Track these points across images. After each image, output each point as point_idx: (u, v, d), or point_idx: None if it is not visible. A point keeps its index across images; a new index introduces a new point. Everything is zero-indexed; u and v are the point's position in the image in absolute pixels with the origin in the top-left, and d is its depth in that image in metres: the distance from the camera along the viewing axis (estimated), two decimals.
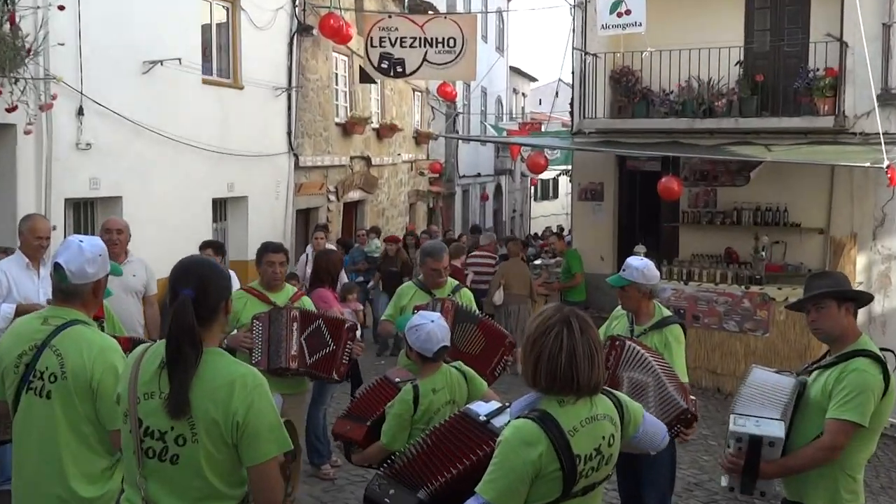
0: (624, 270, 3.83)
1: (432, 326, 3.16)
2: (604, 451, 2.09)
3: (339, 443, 3.35)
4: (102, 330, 2.88)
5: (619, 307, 3.97)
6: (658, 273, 3.89)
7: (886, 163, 8.54)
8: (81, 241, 2.58)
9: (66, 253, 2.56)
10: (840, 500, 2.72)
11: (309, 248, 9.27)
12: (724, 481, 2.77)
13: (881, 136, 8.86)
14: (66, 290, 2.57)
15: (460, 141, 21.00)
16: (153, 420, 2.05)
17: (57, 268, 2.56)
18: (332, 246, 9.42)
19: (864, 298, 2.91)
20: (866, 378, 2.65)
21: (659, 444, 2.36)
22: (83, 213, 7.93)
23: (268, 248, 4.58)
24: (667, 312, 3.88)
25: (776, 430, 2.62)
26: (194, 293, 2.06)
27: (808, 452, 2.68)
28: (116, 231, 5.07)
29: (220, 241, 7.78)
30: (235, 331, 4.29)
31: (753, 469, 2.63)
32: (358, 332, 4.44)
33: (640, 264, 3.82)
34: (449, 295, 4.42)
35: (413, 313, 3.84)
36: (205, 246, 6.09)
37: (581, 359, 2.03)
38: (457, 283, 4.64)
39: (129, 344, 2.78)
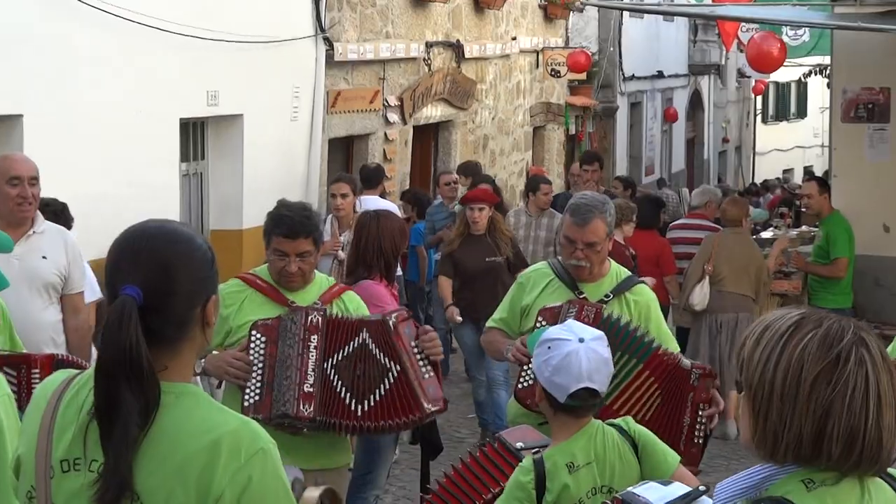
0: None
1: (577, 349, 3.41)
2: None
3: None
4: None
5: None
6: None
7: None
8: None
9: None
10: None
11: (330, 217, 9.81)
12: None
13: None
14: None
15: (625, 14, 21.59)
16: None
17: None
18: (387, 204, 9.72)
19: None
20: None
21: None
22: None
23: (284, 221, 4.73)
24: None
25: None
26: (142, 293, 2.14)
27: None
28: (29, 180, 5.43)
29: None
30: (218, 350, 4.60)
31: None
32: (433, 335, 4.81)
33: None
34: (608, 296, 4.82)
35: (538, 324, 4.47)
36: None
37: (891, 408, 2.16)
38: (628, 273, 5.04)
39: (49, 365, 2.83)
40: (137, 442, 2.11)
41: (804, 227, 14.94)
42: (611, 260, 4.98)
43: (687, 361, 4.77)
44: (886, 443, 2.18)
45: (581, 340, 3.42)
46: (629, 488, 3.09)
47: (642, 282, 5.21)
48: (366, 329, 4.58)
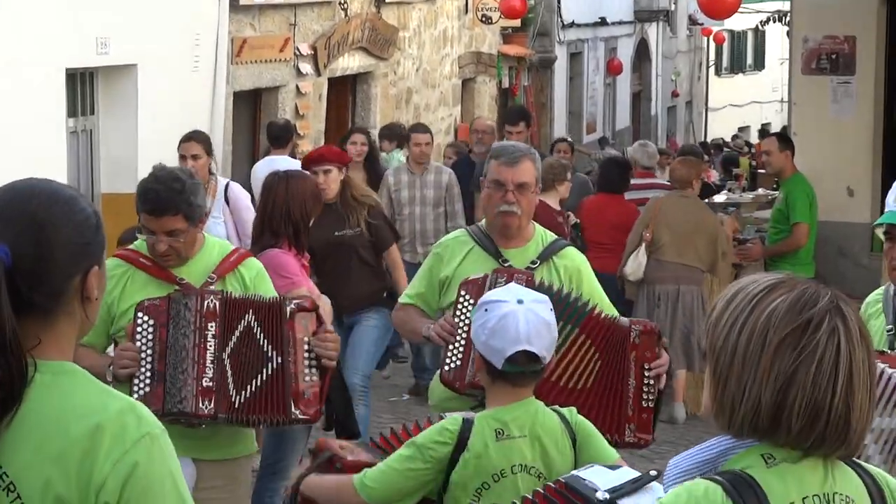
0: None
1: (515, 311, 3.50)
2: None
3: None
4: None
5: (878, 291, 4.35)
6: None
7: None
8: None
9: None
10: None
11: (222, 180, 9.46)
12: None
13: None
14: None
15: None
16: None
17: None
18: (297, 165, 9.62)
19: None
20: None
21: None
22: None
23: (148, 196, 4.67)
24: None
25: None
26: (10, 254, 2.13)
27: None
28: None
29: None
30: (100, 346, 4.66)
31: None
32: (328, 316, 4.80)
33: None
34: (534, 262, 4.86)
35: (461, 298, 4.55)
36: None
37: (861, 386, 2.22)
38: (553, 237, 5.08)
39: None
40: (1, 421, 2.12)
41: (761, 191, 15.12)
42: (533, 223, 5.05)
43: (625, 319, 4.91)
44: (855, 424, 2.25)
45: (520, 302, 3.52)
46: (574, 472, 3.18)
47: (570, 244, 5.37)
48: (255, 309, 4.58)
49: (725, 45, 36.35)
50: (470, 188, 10.71)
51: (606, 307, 4.95)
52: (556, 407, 3.83)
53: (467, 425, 3.60)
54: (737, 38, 37.91)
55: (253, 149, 13.62)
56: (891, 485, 2.39)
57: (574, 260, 5.06)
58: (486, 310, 3.57)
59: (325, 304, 5.87)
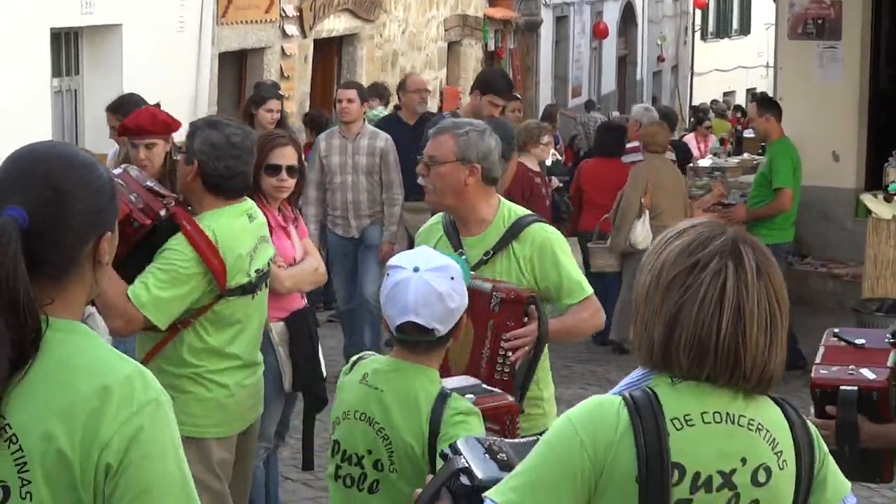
0: None
1: (407, 279, 3.52)
2: (739, 484, 2.41)
3: None
4: None
5: None
6: None
7: None
8: None
9: None
10: None
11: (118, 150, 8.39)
12: None
13: None
14: None
15: None
16: None
17: None
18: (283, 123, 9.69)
19: None
20: None
21: None
22: None
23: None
24: None
25: None
26: (28, 217, 2.17)
27: None
28: None
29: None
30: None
31: None
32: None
33: None
34: (487, 254, 4.67)
35: None
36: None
37: (754, 324, 2.36)
38: (519, 216, 4.81)
39: None
40: (11, 377, 2.16)
41: (746, 155, 15.23)
42: (502, 202, 4.87)
43: (487, 285, 4.62)
44: (750, 361, 2.39)
45: (416, 270, 3.52)
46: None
47: (537, 220, 4.94)
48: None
49: (711, 10, 36.49)
50: (412, 154, 9.94)
51: (575, 286, 4.74)
52: (449, 391, 3.81)
53: (354, 363, 3.80)
54: (723, 2, 38.16)
55: (238, 110, 13.44)
56: (822, 447, 2.56)
57: (536, 239, 4.77)
58: (387, 274, 3.61)
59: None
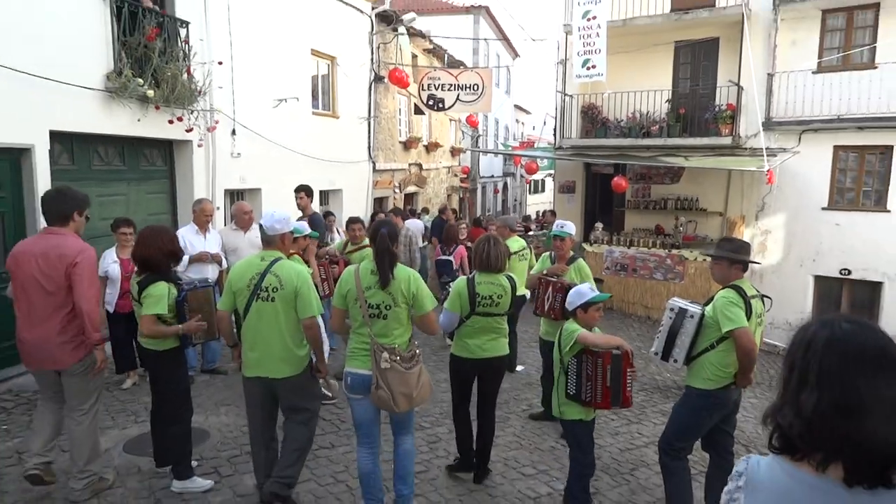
0: (562, 227, 8.51)
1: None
2: (496, 298, 6.16)
3: None
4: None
5: (547, 253, 8.42)
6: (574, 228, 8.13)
7: (766, 168, 17.81)
8: (273, 212, 6.09)
9: (264, 219, 6.02)
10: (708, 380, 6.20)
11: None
12: (653, 347, 5.78)
13: (763, 150, 19.09)
14: (267, 240, 6.01)
15: (481, 153, 38.66)
16: (373, 298, 5.64)
17: (261, 227, 6.03)
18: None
19: (747, 263, 6.04)
20: (726, 297, 5.98)
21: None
22: (236, 198, 14.83)
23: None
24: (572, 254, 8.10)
25: (696, 308, 5.83)
26: (389, 234, 5.59)
27: (742, 363, 6.02)
28: (247, 212, 10.20)
29: (308, 186, 12.94)
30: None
31: (673, 338, 5.73)
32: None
33: (570, 227, 8.52)
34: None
35: None
36: (299, 189, 11.68)
37: (492, 254, 6.44)
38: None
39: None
40: (390, 273, 5.21)
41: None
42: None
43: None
44: (492, 263, 6.34)
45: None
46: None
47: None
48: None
49: (532, 184, 54.91)
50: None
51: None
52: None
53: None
54: (536, 182, 56.16)
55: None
56: (514, 283, 5.81)
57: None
58: None
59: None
